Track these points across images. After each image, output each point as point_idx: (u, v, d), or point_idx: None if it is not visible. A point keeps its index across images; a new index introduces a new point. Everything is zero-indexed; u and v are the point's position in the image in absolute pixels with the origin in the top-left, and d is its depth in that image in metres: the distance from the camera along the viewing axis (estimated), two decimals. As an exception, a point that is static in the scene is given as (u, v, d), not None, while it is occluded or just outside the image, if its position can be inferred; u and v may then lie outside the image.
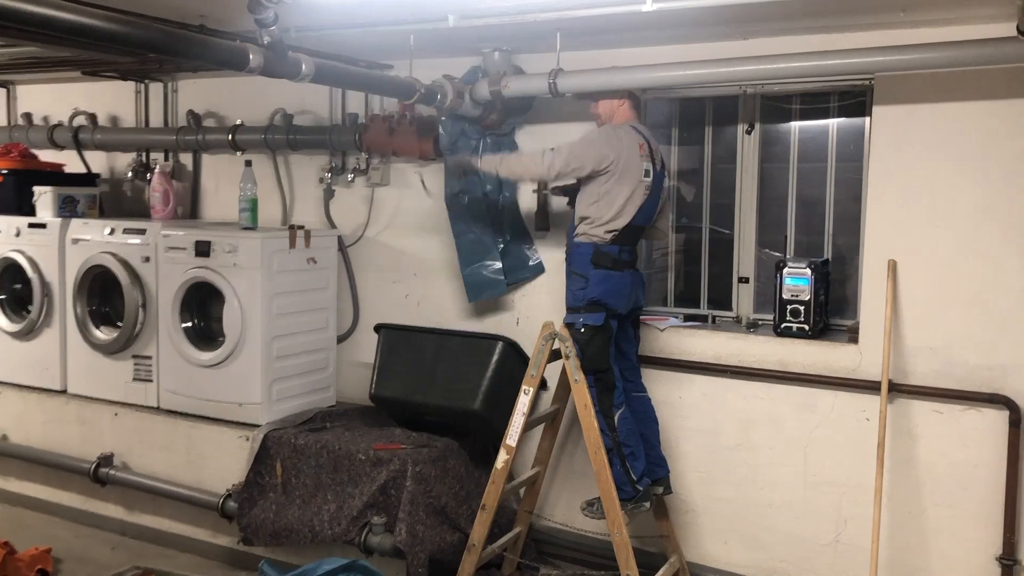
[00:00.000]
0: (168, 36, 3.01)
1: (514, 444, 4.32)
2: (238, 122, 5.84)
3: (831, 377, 4.41)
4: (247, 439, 4.98)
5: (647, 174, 4.11)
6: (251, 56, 3.25)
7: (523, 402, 4.33)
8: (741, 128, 4.88)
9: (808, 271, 4.47)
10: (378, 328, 5.16)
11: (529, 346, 4.81)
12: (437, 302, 5.44)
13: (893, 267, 4.21)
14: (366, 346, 5.64)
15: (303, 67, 3.50)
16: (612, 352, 4.20)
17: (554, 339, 4.26)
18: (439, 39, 4.43)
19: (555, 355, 4.26)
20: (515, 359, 4.81)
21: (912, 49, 3.79)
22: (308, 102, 5.75)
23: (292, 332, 5.27)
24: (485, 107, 4.68)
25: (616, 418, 4.18)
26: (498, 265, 4.97)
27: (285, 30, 3.43)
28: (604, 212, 4.04)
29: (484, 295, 5.03)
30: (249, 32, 3.45)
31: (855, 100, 4.61)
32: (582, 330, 4.12)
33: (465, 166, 4.63)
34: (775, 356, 4.55)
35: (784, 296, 4.53)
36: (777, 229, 4.88)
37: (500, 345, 4.77)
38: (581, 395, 4.18)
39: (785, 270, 4.51)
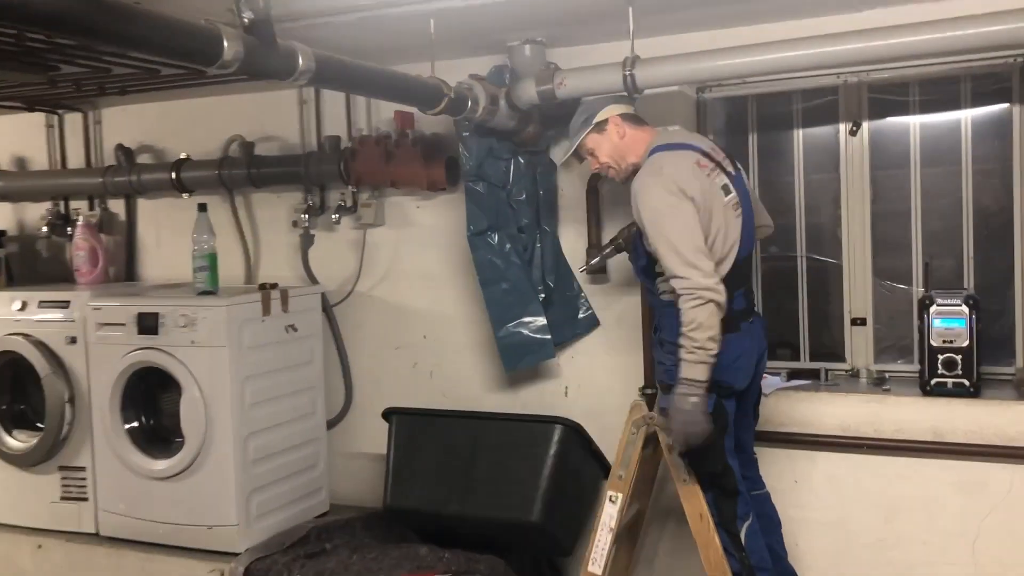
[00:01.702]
0: (94, 6, 1.79)
1: (600, 572, 3.14)
2: (183, 156, 4.61)
3: (1005, 447, 3.35)
4: (222, 574, 3.70)
5: (726, 189, 2.98)
6: (225, 43, 2.06)
7: (610, 514, 3.18)
8: (844, 128, 3.81)
9: (965, 309, 3.40)
10: (389, 415, 3.94)
11: (591, 427, 3.68)
12: (456, 372, 4.25)
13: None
14: (362, 431, 4.44)
15: (300, 60, 2.32)
16: (728, 444, 3.05)
17: (651, 427, 3.11)
18: (460, 27, 3.27)
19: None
20: (578, 448, 3.66)
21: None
22: (272, 126, 4.55)
23: (272, 424, 4.05)
24: (522, 117, 3.53)
25: (743, 533, 3.04)
26: (541, 321, 3.80)
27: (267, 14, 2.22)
28: None
29: (525, 362, 3.86)
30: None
31: (997, 86, 3.58)
32: (687, 420, 2.97)
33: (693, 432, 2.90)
34: (925, 422, 3.46)
35: (933, 343, 3.45)
36: (896, 253, 3.81)
37: (558, 431, 3.60)
38: (694, 502, 3.06)
39: (933, 309, 3.44)
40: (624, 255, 3.41)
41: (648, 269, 3.02)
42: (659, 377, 3.09)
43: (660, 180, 2.82)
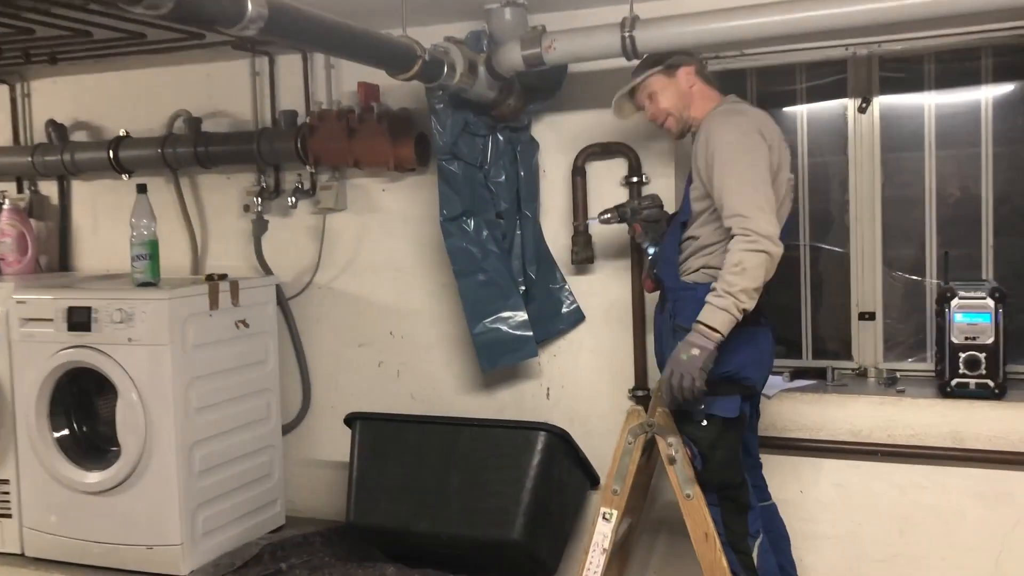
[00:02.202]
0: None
1: (593, 599, 2.78)
2: (122, 132, 4.17)
3: (1033, 453, 3.04)
4: (163, 601, 3.31)
5: (790, 167, 2.71)
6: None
7: (603, 533, 2.82)
8: (852, 105, 3.48)
9: (990, 303, 3.10)
10: (352, 420, 3.53)
11: (575, 432, 3.34)
12: (426, 372, 3.86)
13: None
14: (322, 437, 4.04)
15: (249, 5, 1.90)
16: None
17: (649, 434, 2.75)
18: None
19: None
20: (564, 457, 3.30)
21: None
22: (222, 100, 4.12)
23: (221, 431, 3.63)
24: (503, 87, 3.14)
25: (755, 553, 2.71)
26: (522, 316, 3.43)
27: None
28: None
29: (504, 361, 3.49)
30: None
31: (1021, 59, 3.28)
32: (705, 424, 2.63)
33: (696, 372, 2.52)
34: (945, 427, 3.15)
35: (954, 340, 3.14)
36: (908, 242, 3.50)
37: (542, 439, 3.24)
38: (698, 519, 2.70)
39: (955, 302, 3.13)
40: (616, 240, 3.02)
41: (675, 239, 2.73)
42: None
43: (742, 119, 2.60)
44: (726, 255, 2.46)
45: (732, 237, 2.45)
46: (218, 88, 4.13)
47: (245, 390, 3.79)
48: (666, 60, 2.72)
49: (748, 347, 2.61)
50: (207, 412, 3.56)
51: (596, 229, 3.48)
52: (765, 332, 2.71)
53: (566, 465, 3.29)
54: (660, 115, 2.75)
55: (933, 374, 3.39)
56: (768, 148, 2.55)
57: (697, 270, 2.64)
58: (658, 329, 2.90)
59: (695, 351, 2.46)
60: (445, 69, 2.82)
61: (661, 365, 2.86)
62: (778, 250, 2.45)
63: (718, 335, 2.44)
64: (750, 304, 2.44)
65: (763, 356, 2.72)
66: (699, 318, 2.47)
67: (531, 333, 3.43)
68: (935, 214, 3.44)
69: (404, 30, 2.72)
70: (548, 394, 3.68)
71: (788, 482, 3.31)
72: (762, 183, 2.49)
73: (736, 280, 2.42)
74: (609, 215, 3.08)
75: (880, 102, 3.45)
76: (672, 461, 2.71)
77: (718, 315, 2.44)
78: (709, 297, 2.46)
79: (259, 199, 3.97)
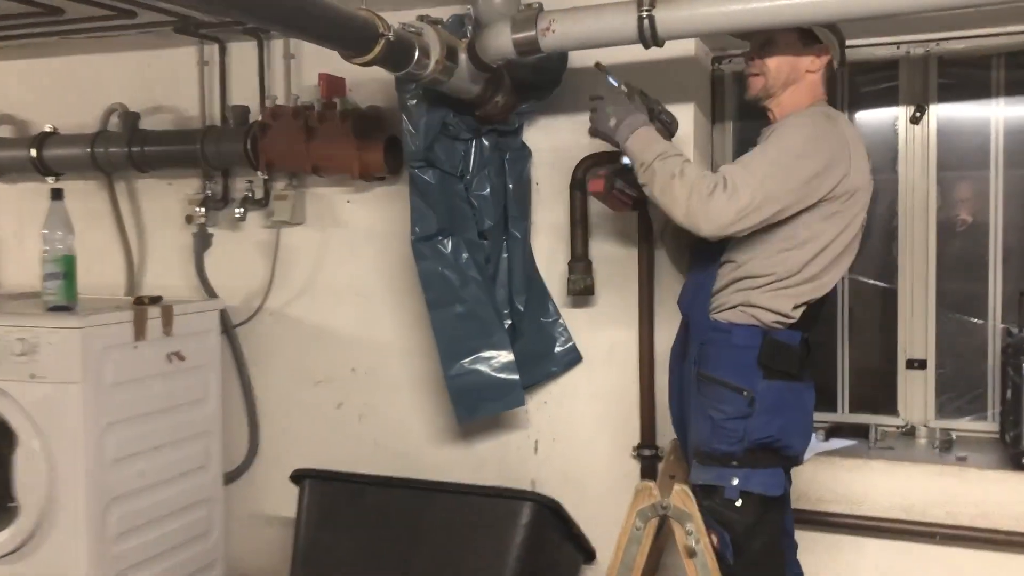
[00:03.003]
0: None
1: None
2: (48, 128, 3.57)
3: None
4: None
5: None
6: None
7: (604, 639, 2.23)
8: (904, 114, 2.94)
9: (1079, 356, 2.54)
10: (300, 477, 2.94)
11: (568, 495, 2.78)
12: (393, 416, 3.29)
13: None
14: (271, 487, 3.46)
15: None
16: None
17: (664, 517, 2.18)
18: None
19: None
20: (554, 532, 2.75)
21: None
22: (165, 92, 3.55)
23: (147, 484, 3.07)
24: (489, 81, 2.58)
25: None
26: (507, 357, 2.86)
27: None
28: (800, 268, 2.05)
29: (484, 410, 2.91)
30: None
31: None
32: (739, 503, 2.06)
33: (602, 134, 2.27)
34: (1019, 505, 2.59)
35: (1031, 399, 2.57)
36: (965, 276, 2.95)
37: (528, 510, 2.67)
38: (725, 627, 2.11)
39: (1034, 354, 2.57)
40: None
41: (709, 261, 2.19)
42: (697, 441, 2.15)
43: (828, 128, 2.09)
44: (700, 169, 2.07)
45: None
46: (160, 79, 3.56)
47: (179, 434, 3.21)
48: (812, 31, 2.19)
49: (793, 409, 2.09)
50: (129, 462, 2.98)
51: (599, 253, 2.91)
52: (809, 390, 2.19)
53: (556, 540, 2.73)
54: (757, 66, 2.21)
55: (997, 437, 2.84)
56: (823, 168, 2.03)
57: (735, 307, 2.08)
58: (676, 378, 2.33)
59: (625, 126, 2.18)
60: (416, 54, 2.25)
61: (679, 424, 2.31)
62: (704, 234, 2.01)
63: (620, 140, 2.18)
64: (655, 182, 2.07)
65: (808, 419, 2.20)
66: (637, 129, 2.16)
67: (517, 377, 2.86)
68: (1001, 245, 2.89)
69: (362, 0, 2.15)
70: (537, 448, 3.10)
71: (824, 564, 2.75)
72: (783, 186, 2.00)
73: (667, 171, 2.04)
74: (627, 88, 2.31)
75: (937, 111, 2.92)
76: (692, 554, 2.14)
77: (637, 143, 2.14)
78: (669, 143, 2.19)
79: (203, 209, 3.39)
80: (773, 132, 2.11)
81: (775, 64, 2.17)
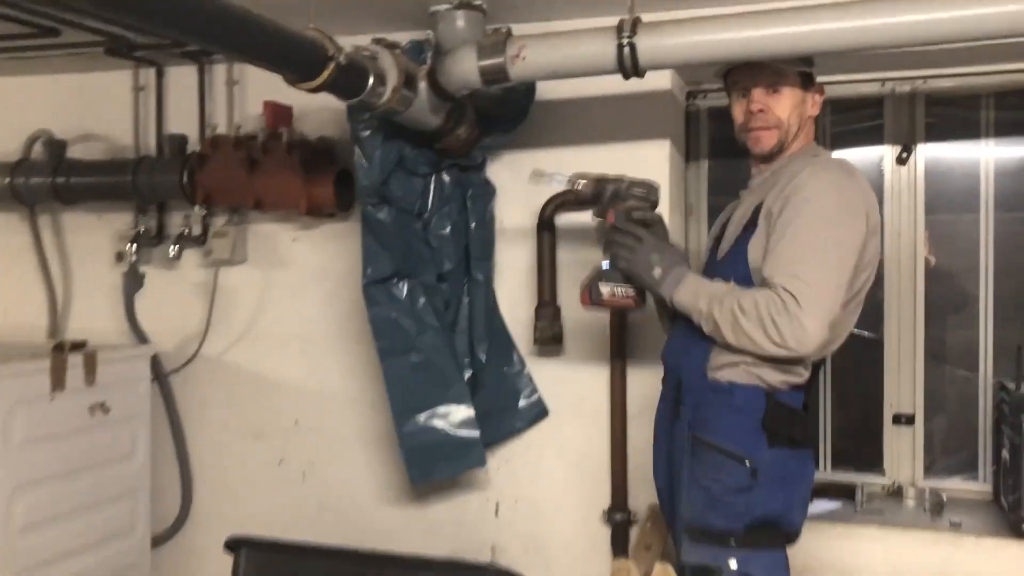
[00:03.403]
0: None
1: None
2: (-36, 156, 3.27)
3: None
4: None
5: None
6: None
7: None
8: (890, 153, 2.78)
9: (1083, 414, 2.37)
10: (236, 545, 2.63)
11: (532, 564, 2.55)
12: (339, 474, 3.01)
13: None
14: (205, 551, 3.15)
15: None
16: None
17: (645, 602, 1.93)
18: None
19: None
20: (519, 607, 2.43)
21: None
22: (96, 119, 3.28)
23: (63, 553, 2.77)
24: (451, 112, 2.36)
25: None
26: (466, 412, 2.61)
27: None
28: None
29: (441, 471, 2.65)
30: None
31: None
32: (739, 590, 1.83)
33: (638, 279, 1.94)
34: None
35: (1034, 462, 2.39)
36: (955, 326, 2.79)
37: (489, 584, 2.38)
38: None
39: (1035, 412, 2.39)
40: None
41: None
42: (690, 515, 1.89)
43: (852, 185, 1.86)
44: (751, 292, 1.79)
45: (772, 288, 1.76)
46: (92, 105, 3.28)
47: (101, 495, 2.90)
48: (813, 73, 1.99)
49: (797, 481, 1.88)
50: (41, 529, 2.66)
51: (568, 299, 2.69)
52: (811, 458, 1.96)
53: (519, 618, 2.45)
54: (770, 119, 1.94)
55: (990, 498, 2.66)
56: (865, 234, 1.83)
57: (737, 364, 1.84)
58: (663, 443, 2.06)
59: (672, 277, 1.87)
60: (371, 80, 2.01)
61: (666, 496, 2.05)
62: (803, 355, 1.76)
63: (667, 294, 1.87)
64: (699, 321, 1.84)
65: (809, 491, 1.97)
66: (684, 279, 1.86)
67: (477, 433, 2.61)
68: (992, 292, 2.73)
69: (311, 20, 1.91)
70: (498, 511, 2.85)
71: (809, 641, 2.52)
72: (839, 282, 1.78)
73: (727, 311, 1.78)
74: (583, 183, 1.99)
75: (925, 151, 2.76)
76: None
77: (695, 287, 1.85)
78: (718, 283, 1.85)
79: (134, 246, 3.11)
80: (796, 206, 1.79)
81: (787, 110, 1.94)
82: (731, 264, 1.90)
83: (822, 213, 1.78)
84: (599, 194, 1.97)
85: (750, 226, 1.88)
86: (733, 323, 1.76)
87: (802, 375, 1.84)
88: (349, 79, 1.95)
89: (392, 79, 2.08)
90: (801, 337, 1.71)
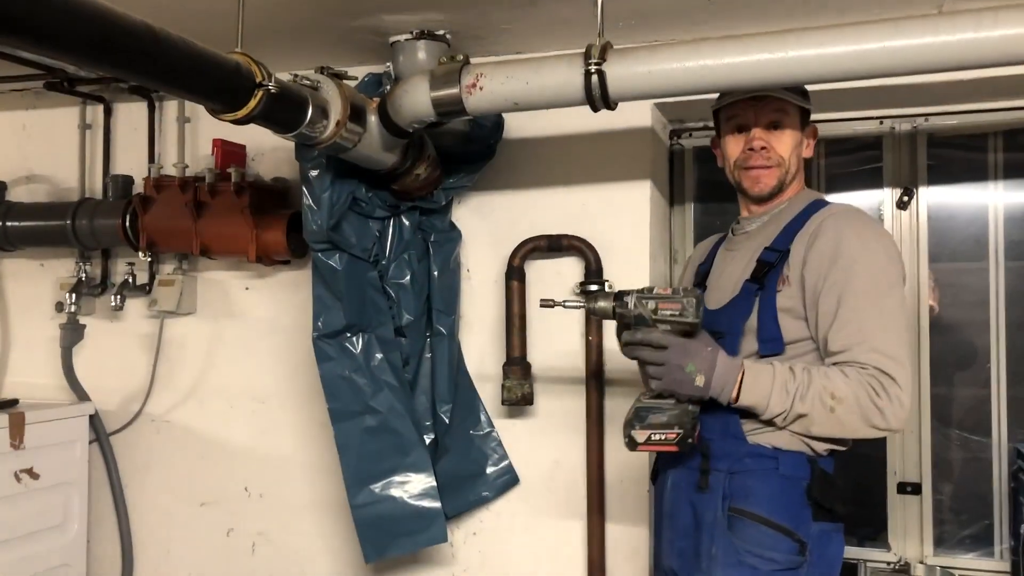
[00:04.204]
0: None
1: None
2: None
3: None
4: None
5: None
6: None
7: None
8: (890, 197, 2.57)
9: (1111, 486, 2.11)
10: (166, 631, 2.37)
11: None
12: (292, 546, 2.74)
13: None
14: (148, 631, 2.85)
15: None
16: None
17: None
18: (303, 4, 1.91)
19: None
20: None
21: None
22: (41, 159, 3.07)
23: (-26, 639, 2.45)
24: (408, 149, 2.14)
25: None
26: (427, 481, 2.36)
27: None
28: None
29: (398, 548, 2.38)
30: None
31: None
32: None
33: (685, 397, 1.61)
34: (1045, 670, 2.12)
35: (1056, 539, 2.14)
36: (964, 384, 2.54)
37: None
38: None
39: (1058, 484, 2.14)
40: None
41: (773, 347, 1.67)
42: None
43: (889, 242, 1.69)
44: (835, 375, 1.55)
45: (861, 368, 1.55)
46: (36, 144, 3.07)
47: (28, 570, 2.64)
48: (809, 111, 1.80)
49: (839, 555, 1.67)
50: (-47, 611, 2.39)
51: (540, 355, 2.46)
52: (841, 533, 1.70)
53: None
54: (772, 157, 1.74)
55: (1008, 576, 2.40)
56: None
57: (781, 428, 1.60)
58: (681, 516, 1.73)
59: (720, 378, 1.56)
60: (309, 112, 1.79)
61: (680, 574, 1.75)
62: (900, 422, 1.57)
63: (724, 400, 1.58)
64: (793, 426, 1.58)
65: (836, 570, 1.70)
66: (747, 362, 1.58)
67: (439, 505, 2.35)
68: (1005, 347, 2.49)
69: (240, 43, 1.69)
70: (463, 589, 2.58)
71: None
72: (912, 348, 1.66)
73: (818, 403, 1.54)
74: (600, 302, 1.63)
75: (927, 195, 2.54)
76: None
77: (758, 386, 1.56)
78: (777, 366, 1.58)
79: (73, 295, 2.87)
80: (847, 267, 1.59)
81: (789, 149, 1.74)
82: (738, 315, 1.67)
83: (883, 276, 1.61)
84: (623, 312, 1.59)
85: (760, 276, 1.67)
86: (827, 414, 1.54)
87: (847, 441, 1.62)
88: (283, 110, 1.73)
89: (336, 111, 1.86)
90: (901, 415, 1.55)
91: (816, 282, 1.61)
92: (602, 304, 1.61)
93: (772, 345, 1.63)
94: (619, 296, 1.59)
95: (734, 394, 1.56)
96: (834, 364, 1.57)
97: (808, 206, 1.73)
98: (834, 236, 1.62)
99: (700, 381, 1.55)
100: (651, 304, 1.56)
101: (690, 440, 1.58)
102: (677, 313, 1.55)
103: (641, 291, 1.58)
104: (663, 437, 1.59)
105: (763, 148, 1.73)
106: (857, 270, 1.59)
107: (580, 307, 1.67)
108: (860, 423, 1.54)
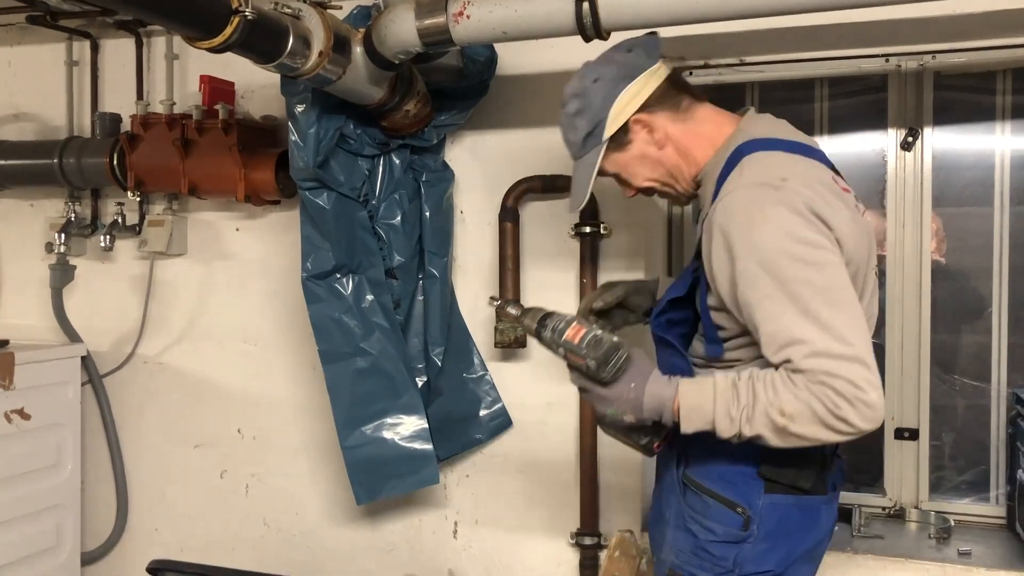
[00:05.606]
0: None
1: None
2: None
3: None
4: None
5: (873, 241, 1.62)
6: None
7: None
8: (894, 138, 2.49)
9: (1110, 432, 2.08)
10: (158, 571, 2.37)
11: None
12: (285, 487, 2.75)
13: None
14: (139, 572, 2.84)
15: None
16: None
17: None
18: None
19: None
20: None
21: None
22: (28, 97, 3.03)
23: (-32, 576, 2.47)
24: (396, 83, 2.08)
25: None
26: (419, 423, 2.34)
27: None
28: None
29: (390, 489, 2.38)
30: None
31: None
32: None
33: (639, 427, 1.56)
34: (1040, 616, 2.12)
35: (1053, 484, 2.12)
36: (965, 330, 2.50)
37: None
38: None
39: (1058, 429, 2.11)
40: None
41: (714, 349, 1.58)
42: (673, 556, 1.60)
43: (782, 197, 1.42)
44: (779, 388, 1.38)
45: (808, 379, 1.36)
46: (22, 81, 3.02)
47: (21, 510, 2.65)
48: (603, 131, 1.59)
49: (804, 531, 1.56)
50: (-54, 549, 2.40)
51: (534, 296, 2.42)
52: (831, 505, 1.64)
53: (473, 657, 2.19)
54: (647, 193, 1.67)
55: (1003, 523, 2.38)
56: (837, 244, 1.44)
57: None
58: (662, 466, 1.73)
59: (652, 412, 1.46)
60: (290, 41, 1.73)
61: (656, 523, 1.71)
62: (874, 422, 1.36)
63: (676, 423, 1.46)
64: (745, 436, 1.42)
65: (822, 543, 1.65)
66: (683, 390, 1.45)
67: (431, 447, 2.34)
68: (1007, 294, 2.44)
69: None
70: (456, 531, 2.58)
71: None
72: (851, 312, 1.39)
73: (768, 424, 1.38)
74: (527, 320, 1.57)
75: (933, 136, 2.47)
76: None
77: (697, 415, 1.43)
78: (718, 384, 1.43)
79: (63, 236, 2.83)
80: (734, 269, 1.43)
81: (642, 176, 1.62)
82: (667, 296, 1.63)
83: (783, 261, 1.39)
84: (540, 330, 1.52)
85: (700, 275, 1.55)
86: (781, 433, 1.39)
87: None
88: (262, 38, 1.67)
89: (319, 41, 1.80)
90: (872, 415, 1.35)
91: (726, 290, 1.46)
92: (527, 322, 1.55)
93: (713, 348, 1.55)
94: (542, 321, 1.52)
95: (675, 415, 1.46)
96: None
97: (724, 166, 1.52)
98: (721, 240, 1.44)
99: (630, 418, 1.48)
100: (561, 350, 1.48)
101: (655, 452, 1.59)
102: (583, 367, 1.47)
103: (556, 327, 1.49)
104: (631, 443, 1.60)
105: (633, 194, 1.66)
106: (752, 269, 1.40)
107: (516, 317, 1.59)
108: (826, 433, 1.37)
